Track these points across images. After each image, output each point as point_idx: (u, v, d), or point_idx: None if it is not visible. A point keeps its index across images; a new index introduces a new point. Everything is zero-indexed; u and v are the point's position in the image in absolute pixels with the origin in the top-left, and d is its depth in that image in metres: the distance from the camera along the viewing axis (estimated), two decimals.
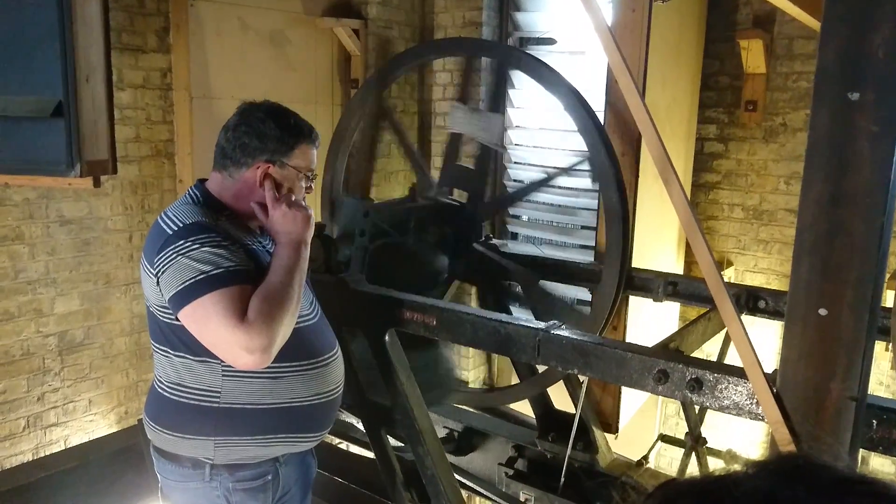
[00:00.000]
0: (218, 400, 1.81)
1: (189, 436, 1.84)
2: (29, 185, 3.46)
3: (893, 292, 3.20)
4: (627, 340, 3.17)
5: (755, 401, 1.61)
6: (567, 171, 4.07)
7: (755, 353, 1.56)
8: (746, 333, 1.60)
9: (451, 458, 2.80)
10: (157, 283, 1.73)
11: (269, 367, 1.73)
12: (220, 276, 1.67)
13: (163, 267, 1.71)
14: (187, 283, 1.67)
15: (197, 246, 1.69)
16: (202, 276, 1.66)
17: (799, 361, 1.48)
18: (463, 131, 3.14)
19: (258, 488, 1.90)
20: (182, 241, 1.70)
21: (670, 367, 1.79)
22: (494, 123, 3.11)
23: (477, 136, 3.07)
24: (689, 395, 1.77)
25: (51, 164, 2.42)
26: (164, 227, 1.76)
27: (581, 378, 2.68)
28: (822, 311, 1.42)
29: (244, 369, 1.72)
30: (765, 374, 1.56)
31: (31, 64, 2.39)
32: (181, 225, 1.74)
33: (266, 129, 1.83)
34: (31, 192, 3.64)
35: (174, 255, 1.69)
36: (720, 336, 2.90)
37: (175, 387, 1.84)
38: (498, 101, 4.21)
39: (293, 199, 1.86)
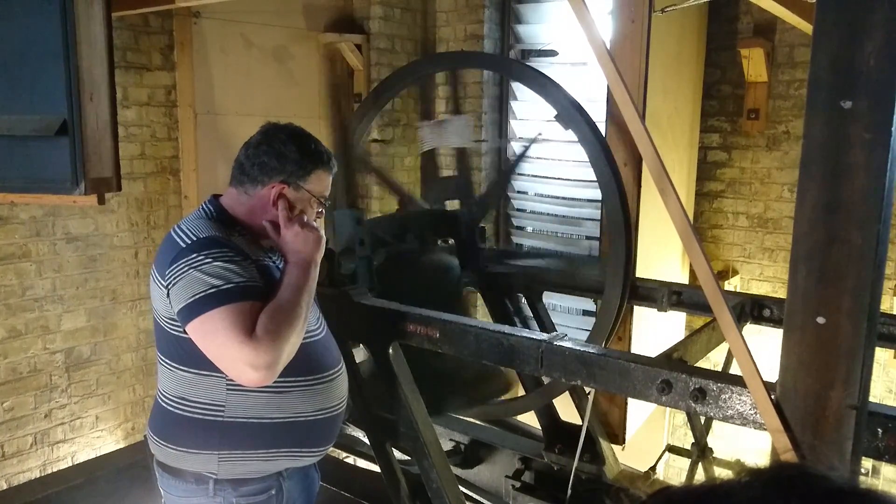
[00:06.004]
0: (222, 414, 1.81)
1: (193, 450, 1.84)
2: (35, 203, 3.50)
3: None
4: (633, 351, 3.16)
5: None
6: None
7: (754, 363, 1.56)
8: (745, 343, 1.60)
9: (457, 471, 2.79)
10: (168, 294, 1.74)
11: (274, 382, 1.73)
12: (230, 291, 1.68)
13: (174, 279, 1.72)
14: (197, 296, 1.68)
15: (209, 260, 1.70)
16: (212, 291, 1.67)
17: (798, 370, 1.47)
18: (435, 145, 3.21)
19: (262, 503, 1.90)
20: (195, 255, 1.72)
21: (673, 377, 1.78)
22: (461, 125, 3.19)
23: (449, 143, 3.13)
24: (693, 405, 1.76)
25: (56, 182, 2.45)
26: (178, 239, 1.78)
27: (587, 389, 2.67)
28: (820, 319, 1.42)
29: (247, 385, 1.73)
30: (764, 383, 1.55)
31: (35, 83, 2.42)
32: (194, 238, 1.76)
33: (286, 151, 1.85)
34: (37, 209, 3.68)
35: (186, 268, 1.71)
36: (726, 345, 2.89)
37: (179, 400, 1.85)
38: (500, 113, 4.23)
39: (305, 219, 1.88)
